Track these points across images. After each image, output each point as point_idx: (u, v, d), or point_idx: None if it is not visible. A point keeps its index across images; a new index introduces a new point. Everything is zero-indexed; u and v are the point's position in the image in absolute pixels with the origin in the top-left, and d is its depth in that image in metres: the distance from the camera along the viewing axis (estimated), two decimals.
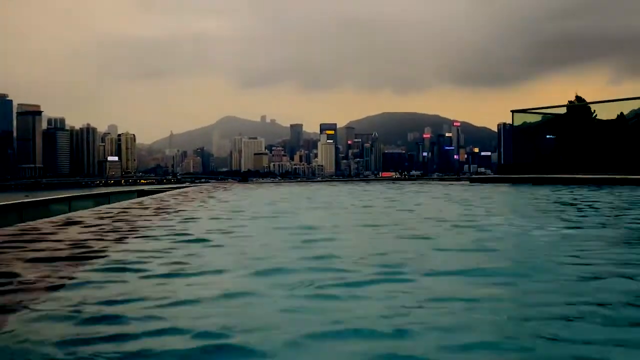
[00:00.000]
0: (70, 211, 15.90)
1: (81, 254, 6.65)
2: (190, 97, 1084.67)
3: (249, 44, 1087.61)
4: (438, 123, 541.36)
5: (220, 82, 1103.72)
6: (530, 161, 35.39)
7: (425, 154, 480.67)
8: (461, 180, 38.42)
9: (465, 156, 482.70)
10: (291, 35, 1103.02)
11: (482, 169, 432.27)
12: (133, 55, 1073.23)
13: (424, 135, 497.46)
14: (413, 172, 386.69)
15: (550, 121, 37.64)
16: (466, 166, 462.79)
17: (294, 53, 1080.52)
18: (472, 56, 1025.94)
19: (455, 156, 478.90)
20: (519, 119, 36.54)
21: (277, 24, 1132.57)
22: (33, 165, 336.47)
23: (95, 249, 7.15)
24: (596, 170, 27.03)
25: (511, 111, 35.77)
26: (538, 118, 37.99)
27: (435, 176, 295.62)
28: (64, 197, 18.92)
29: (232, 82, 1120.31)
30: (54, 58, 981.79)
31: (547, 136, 37.75)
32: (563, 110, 37.65)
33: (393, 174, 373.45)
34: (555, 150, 35.55)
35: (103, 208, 15.84)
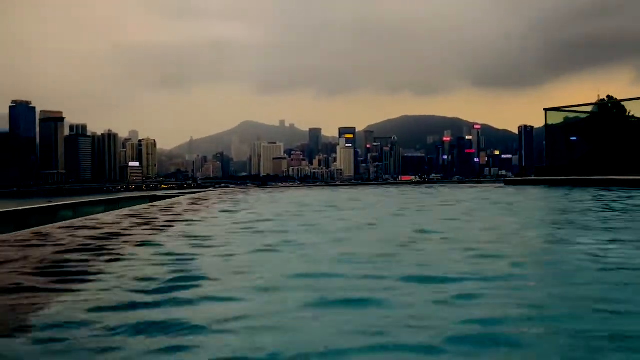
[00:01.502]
0: (74, 217, 15.24)
1: None
2: (210, 102, 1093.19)
3: (268, 48, 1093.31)
4: (458, 126, 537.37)
5: (239, 87, 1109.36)
6: (565, 162, 34.03)
7: (445, 157, 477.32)
8: (495, 183, 37.23)
9: (486, 159, 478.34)
10: (310, 40, 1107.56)
11: (503, 172, 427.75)
12: (154, 62, 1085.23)
13: (444, 138, 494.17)
14: (433, 176, 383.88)
15: (584, 120, 36.28)
16: (487, 169, 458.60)
17: (313, 57, 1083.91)
18: (492, 58, 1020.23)
19: (475, 159, 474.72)
20: (552, 118, 35.14)
21: (296, 29, 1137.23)
22: (56, 171, 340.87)
23: None
24: (636, 172, 25.71)
25: (544, 109, 34.44)
26: (570, 117, 36.63)
27: (456, 179, 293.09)
28: (70, 203, 18.27)
29: (252, 87, 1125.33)
30: (76, 65, 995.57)
31: (581, 137, 36.37)
32: (594, 109, 36.29)
33: (413, 177, 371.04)
34: (591, 150, 34.19)
35: (101, 216, 15.18)
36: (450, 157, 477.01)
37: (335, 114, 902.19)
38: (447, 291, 4.57)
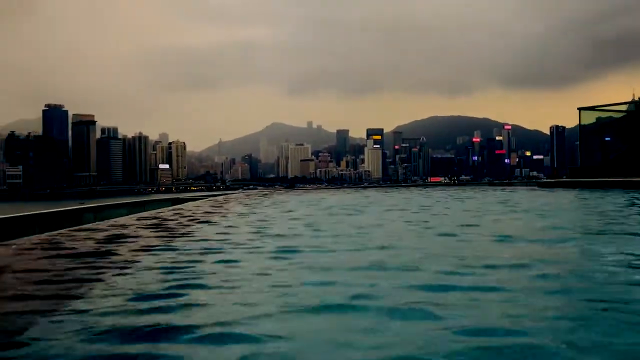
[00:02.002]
0: (94, 220, 15.02)
1: None
2: (238, 104, 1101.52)
3: (296, 49, 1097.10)
4: (488, 126, 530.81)
5: (267, 89, 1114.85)
6: (599, 163, 32.77)
7: (475, 158, 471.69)
8: (527, 185, 36.22)
9: (517, 160, 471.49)
10: (338, 41, 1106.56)
11: (534, 173, 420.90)
12: (184, 65, 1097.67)
13: (474, 139, 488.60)
14: (463, 177, 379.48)
15: (618, 120, 34.90)
16: (517, 170, 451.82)
17: (341, 58, 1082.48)
18: (523, 57, 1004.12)
19: (506, 160, 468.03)
20: (586, 118, 33.88)
21: (323, 29, 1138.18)
22: (88, 174, 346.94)
23: None
24: None
25: (578, 109, 33.21)
26: (604, 117, 35.29)
27: (486, 181, 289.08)
28: (95, 206, 18.12)
29: (279, 88, 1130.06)
30: (107, 69, 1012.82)
31: (616, 136, 34.97)
32: (629, 108, 34.88)
33: (442, 179, 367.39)
34: (627, 150, 32.83)
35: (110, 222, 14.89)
36: (480, 158, 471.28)
37: (362, 115, 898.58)
38: None
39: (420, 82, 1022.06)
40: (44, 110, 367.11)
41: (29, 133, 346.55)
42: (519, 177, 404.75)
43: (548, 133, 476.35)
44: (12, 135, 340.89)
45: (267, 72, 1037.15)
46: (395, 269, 7.20)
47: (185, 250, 9.14)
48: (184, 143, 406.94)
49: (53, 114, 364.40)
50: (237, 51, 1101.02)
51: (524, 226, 13.14)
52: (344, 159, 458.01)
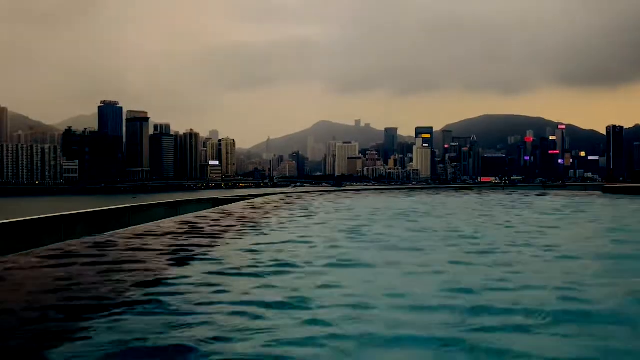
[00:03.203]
0: (130, 225, 15.05)
1: None
2: (287, 102, 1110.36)
3: (346, 49, 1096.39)
4: (541, 126, 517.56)
5: (316, 87, 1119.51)
6: None
7: (527, 158, 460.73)
8: (587, 190, 34.79)
9: (571, 160, 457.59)
10: (389, 39, 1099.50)
11: (589, 174, 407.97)
12: (235, 63, 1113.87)
13: (526, 139, 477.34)
14: (514, 177, 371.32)
15: None
16: (571, 171, 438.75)
17: (391, 57, 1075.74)
18: (579, 55, 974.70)
19: (559, 160, 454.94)
20: None
21: (374, 28, 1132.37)
22: (140, 169, 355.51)
23: None
24: None
25: None
26: None
27: (538, 181, 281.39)
28: (124, 207, 18.24)
29: (328, 86, 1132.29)
30: (160, 66, 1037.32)
31: None
32: None
33: (492, 179, 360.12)
34: None
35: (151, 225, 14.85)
36: (532, 158, 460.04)
37: (411, 113, 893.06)
38: None
39: (473, 81, 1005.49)
40: (99, 107, 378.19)
41: (85, 129, 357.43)
42: (572, 178, 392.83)
43: (604, 133, 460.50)
44: (69, 131, 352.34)
45: (318, 71, 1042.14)
46: None
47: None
48: (233, 140, 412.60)
49: (108, 111, 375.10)
50: (290, 50, 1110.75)
51: None
52: (392, 157, 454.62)
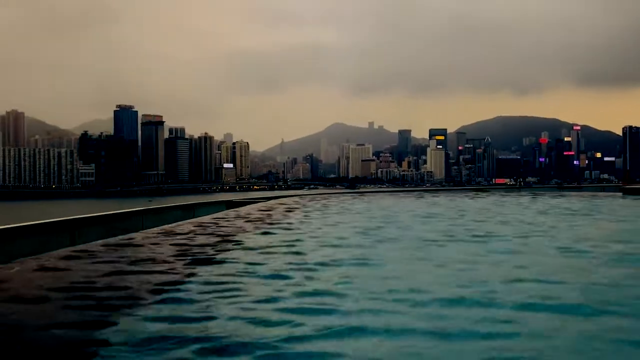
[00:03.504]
0: (142, 228, 15.07)
1: None
2: (300, 104, 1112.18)
3: (359, 51, 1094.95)
4: (556, 127, 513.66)
5: (330, 90, 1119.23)
6: None
7: (542, 159, 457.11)
8: (604, 191, 34.38)
9: (586, 162, 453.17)
10: (402, 41, 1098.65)
11: (605, 176, 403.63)
12: (248, 66, 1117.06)
13: (541, 140, 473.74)
14: (529, 179, 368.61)
15: None
16: (587, 172, 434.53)
17: (404, 58, 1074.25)
18: (595, 56, 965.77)
19: (575, 162, 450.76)
20: None
21: (387, 30, 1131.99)
22: (156, 172, 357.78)
23: None
24: None
25: None
26: None
27: (554, 183, 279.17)
28: (136, 210, 18.27)
29: (342, 89, 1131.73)
30: (175, 70, 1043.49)
31: None
32: None
33: (507, 180, 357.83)
34: None
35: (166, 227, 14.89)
36: (547, 159, 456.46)
37: (425, 115, 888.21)
38: None
39: (486, 82, 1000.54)
40: (115, 111, 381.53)
41: (101, 133, 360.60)
42: (588, 180, 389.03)
43: (620, 134, 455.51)
44: (85, 135, 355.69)
45: (331, 74, 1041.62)
46: None
47: None
48: (247, 143, 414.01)
49: (124, 115, 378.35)
50: (303, 53, 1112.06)
51: None
52: (406, 159, 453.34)
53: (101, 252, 10.94)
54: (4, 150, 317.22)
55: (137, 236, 13.57)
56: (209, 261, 10.04)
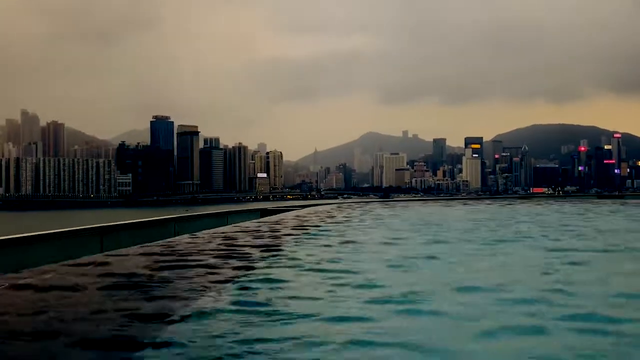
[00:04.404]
0: (174, 234, 14.68)
1: None
2: (334, 114, 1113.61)
3: (393, 59, 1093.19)
4: (595, 135, 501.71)
5: (363, 99, 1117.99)
6: None
7: (581, 168, 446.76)
8: None
9: (628, 170, 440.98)
10: (436, 49, 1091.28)
11: None
12: (282, 76, 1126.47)
13: (580, 148, 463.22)
14: (567, 188, 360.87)
15: None
16: (629, 181, 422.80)
17: (439, 66, 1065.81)
18: (635, 60, 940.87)
19: (616, 170, 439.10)
20: None
21: (422, 38, 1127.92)
22: (191, 182, 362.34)
23: None
24: None
25: None
26: None
27: (593, 192, 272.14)
28: (170, 217, 17.99)
29: (376, 97, 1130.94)
30: (210, 81, 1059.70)
31: None
32: None
33: (545, 189, 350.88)
34: None
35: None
36: (587, 168, 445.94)
37: (460, 123, 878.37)
38: None
39: (523, 89, 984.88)
40: (151, 122, 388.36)
41: (138, 143, 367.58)
42: (630, 189, 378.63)
43: None
44: (122, 145, 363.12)
45: (365, 82, 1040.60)
46: None
47: None
48: (280, 153, 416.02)
49: (160, 125, 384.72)
50: (336, 61, 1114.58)
51: None
52: (441, 168, 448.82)
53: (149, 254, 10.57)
54: (44, 161, 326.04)
55: (173, 241, 13.23)
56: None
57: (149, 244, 12.59)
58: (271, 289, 7.82)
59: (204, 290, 7.44)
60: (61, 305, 6.66)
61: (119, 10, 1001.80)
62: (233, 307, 6.59)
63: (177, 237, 14.71)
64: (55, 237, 12.77)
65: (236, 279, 8.34)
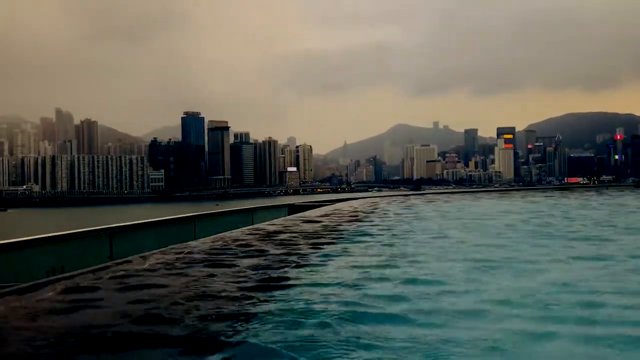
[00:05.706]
0: (195, 238, 13.88)
1: None
2: (363, 106, 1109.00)
3: (422, 50, 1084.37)
4: (632, 123, 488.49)
5: (393, 90, 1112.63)
6: None
7: (617, 157, 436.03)
8: None
9: None
10: (467, 38, 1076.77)
11: None
12: (310, 70, 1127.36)
13: (616, 137, 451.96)
14: (603, 177, 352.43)
15: None
16: None
17: (470, 56, 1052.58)
18: None
19: None
20: None
21: (452, 28, 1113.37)
22: (222, 177, 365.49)
23: None
24: None
25: None
26: None
27: (630, 182, 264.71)
28: (189, 216, 17.50)
29: (405, 89, 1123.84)
30: (239, 76, 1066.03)
31: None
32: None
33: (580, 179, 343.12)
34: None
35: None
36: (623, 157, 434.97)
37: (492, 113, 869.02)
38: None
39: (556, 78, 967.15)
40: (182, 118, 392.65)
41: (170, 139, 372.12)
42: None
43: None
44: (154, 141, 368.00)
45: (394, 74, 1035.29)
46: None
47: None
48: (310, 146, 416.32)
49: (191, 121, 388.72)
50: (365, 53, 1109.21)
51: None
52: (473, 159, 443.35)
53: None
54: (78, 158, 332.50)
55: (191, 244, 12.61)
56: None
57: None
58: None
59: None
60: None
61: (150, 8, 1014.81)
62: None
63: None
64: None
65: None
